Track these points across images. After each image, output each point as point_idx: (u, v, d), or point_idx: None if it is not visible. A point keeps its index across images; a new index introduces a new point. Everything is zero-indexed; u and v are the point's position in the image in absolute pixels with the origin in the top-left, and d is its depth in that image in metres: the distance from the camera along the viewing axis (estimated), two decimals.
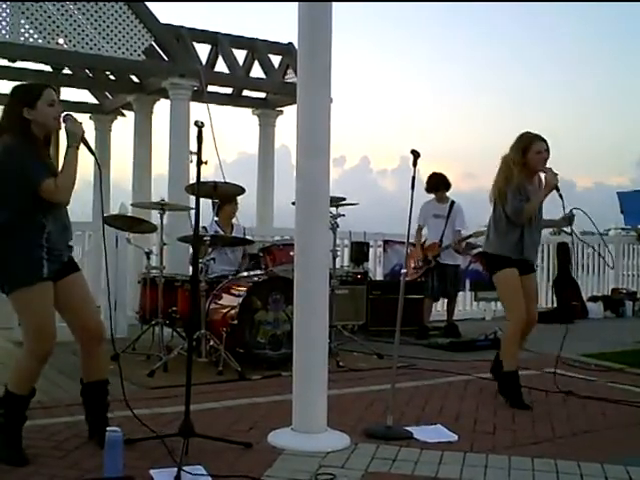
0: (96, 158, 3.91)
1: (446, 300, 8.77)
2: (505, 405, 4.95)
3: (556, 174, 4.93)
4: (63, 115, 3.64)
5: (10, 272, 3.56)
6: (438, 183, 8.32)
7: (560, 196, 4.94)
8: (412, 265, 8.27)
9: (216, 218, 7.03)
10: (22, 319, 3.64)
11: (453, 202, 8.40)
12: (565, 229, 5.32)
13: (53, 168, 3.64)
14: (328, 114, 4.14)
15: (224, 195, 6.59)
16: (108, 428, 3.35)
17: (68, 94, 10.58)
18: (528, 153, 4.98)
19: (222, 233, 6.87)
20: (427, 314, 8.38)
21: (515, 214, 4.92)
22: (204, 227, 6.61)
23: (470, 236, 8.31)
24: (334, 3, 4.10)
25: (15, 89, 3.73)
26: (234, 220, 7.21)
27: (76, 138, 3.60)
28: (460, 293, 10.11)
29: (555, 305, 10.56)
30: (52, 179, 3.50)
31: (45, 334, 3.55)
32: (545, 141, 5.04)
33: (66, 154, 3.58)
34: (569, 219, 5.14)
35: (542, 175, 5.01)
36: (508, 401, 4.95)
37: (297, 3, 4.08)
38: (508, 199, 4.93)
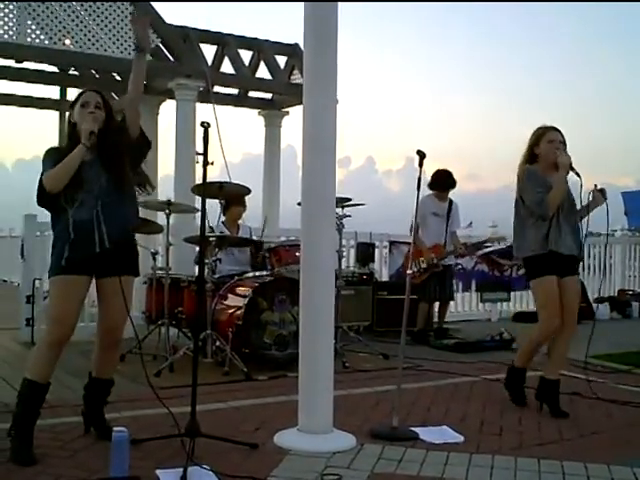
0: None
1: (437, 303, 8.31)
2: (511, 406, 4.95)
3: (569, 155, 4.70)
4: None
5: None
6: (447, 182, 7.97)
7: (577, 174, 4.67)
8: (415, 267, 7.70)
9: (223, 218, 7.04)
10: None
11: (451, 201, 8.08)
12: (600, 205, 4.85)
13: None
14: (334, 115, 4.14)
15: (230, 196, 6.59)
16: (115, 428, 3.36)
17: (74, 94, 10.58)
18: (540, 143, 4.80)
19: (228, 234, 6.88)
20: (423, 318, 8.00)
21: (537, 207, 4.69)
22: (211, 227, 6.62)
23: (485, 241, 8.21)
24: (339, 3, 4.10)
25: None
26: (240, 221, 7.23)
27: (85, 136, 3.66)
28: (466, 294, 10.12)
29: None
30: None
31: (57, 323, 3.68)
32: (559, 131, 4.82)
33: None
34: (601, 192, 4.80)
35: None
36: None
37: (303, 3, 4.08)
38: (526, 195, 4.75)
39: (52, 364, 3.70)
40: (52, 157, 3.73)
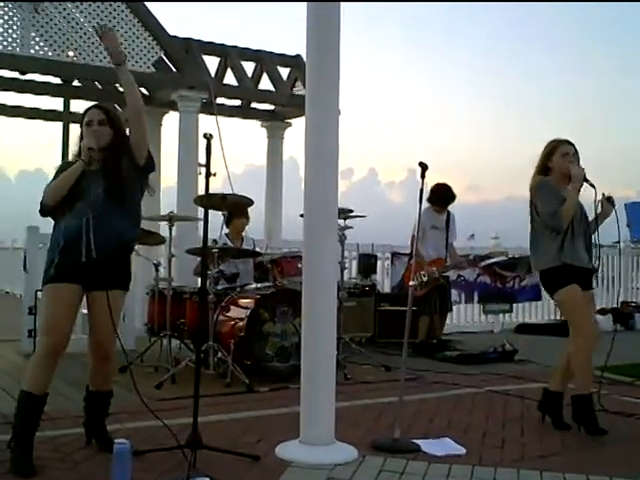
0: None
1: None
2: (514, 418, 4.93)
3: (582, 168, 4.62)
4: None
5: None
6: (447, 196, 7.94)
7: (592, 186, 4.61)
8: (417, 281, 7.58)
9: (226, 230, 7.05)
10: None
11: (449, 212, 8.05)
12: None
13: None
14: (336, 126, 4.15)
15: (233, 207, 6.60)
16: (116, 440, 3.35)
17: (77, 106, 10.65)
18: (553, 156, 4.72)
19: (231, 245, 6.88)
20: (424, 330, 7.94)
21: (551, 218, 4.59)
22: (214, 240, 6.62)
23: (487, 256, 8.19)
24: (342, 11, 4.11)
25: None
26: (244, 233, 7.24)
27: (85, 153, 3.74)
28: (468, 305, 10.11)
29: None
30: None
31: (49, 332, 3.68)
32: (572, 145, 4.75)
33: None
34: (609, 200, 4.70)
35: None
36: (582, 427, 4.57)
37: (305, 14, 4.10)
38: (539, 206, 4.66)
39: (48, 375, 3.68)
40: (59, 171, 3.83)
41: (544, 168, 4.79)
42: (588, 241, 4.76)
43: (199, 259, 6.69)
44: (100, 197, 3.72)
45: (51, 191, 3.76)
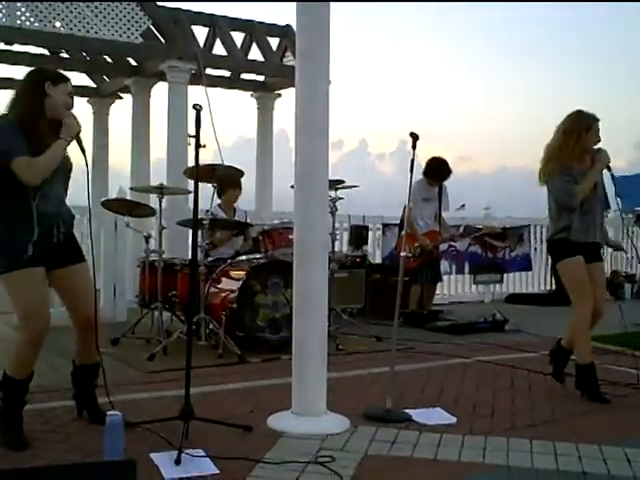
0: (86, 159, 3.78)
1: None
2: (504, 388, 4.97)
3: (608, 155, 4.70)
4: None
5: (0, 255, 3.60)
6: (443, 172, 7.86)
7: (612, 177, 4.75)
8: (410, 253, 7.59)
9: (219, 201, 7.02)
10: (12, 302, 3.66)
11: (441, 184, 7.99)
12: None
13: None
14: (326, 97, 4.13)
15: (223, 179, 6.56)
16: (108, 412, 3.36)
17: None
18: (588, 132, 4.70)
19: (224, 217, 6.86)
20: (415, 300, 8.02)
21: (566, 197, 4.67)
22: (207, 210, 6.58)
23: (480, 229, 8.20)
24: None
25: (40, 69, 3.94)
26: (235, 204, 7.22)
27: (70, 133, 3.62)
28: (459, 276, 10.14)
29: (554, 288, 10.58)
30: (27, 157, 3.47)
31: (32, 318, 3.58)
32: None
33: (55, 144, 3.57)
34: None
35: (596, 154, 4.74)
36: (585, 395, 4.72)
37: None
38: (556, 183, 4.71)
39: (34, 359, 3.66)
40: (10, 136, 3.50)
41: (573, 144, 4.70)
42: (600, 216, 4.87)
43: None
44: (61, 182, 3.74)
45: (37, 171, 3.48)
